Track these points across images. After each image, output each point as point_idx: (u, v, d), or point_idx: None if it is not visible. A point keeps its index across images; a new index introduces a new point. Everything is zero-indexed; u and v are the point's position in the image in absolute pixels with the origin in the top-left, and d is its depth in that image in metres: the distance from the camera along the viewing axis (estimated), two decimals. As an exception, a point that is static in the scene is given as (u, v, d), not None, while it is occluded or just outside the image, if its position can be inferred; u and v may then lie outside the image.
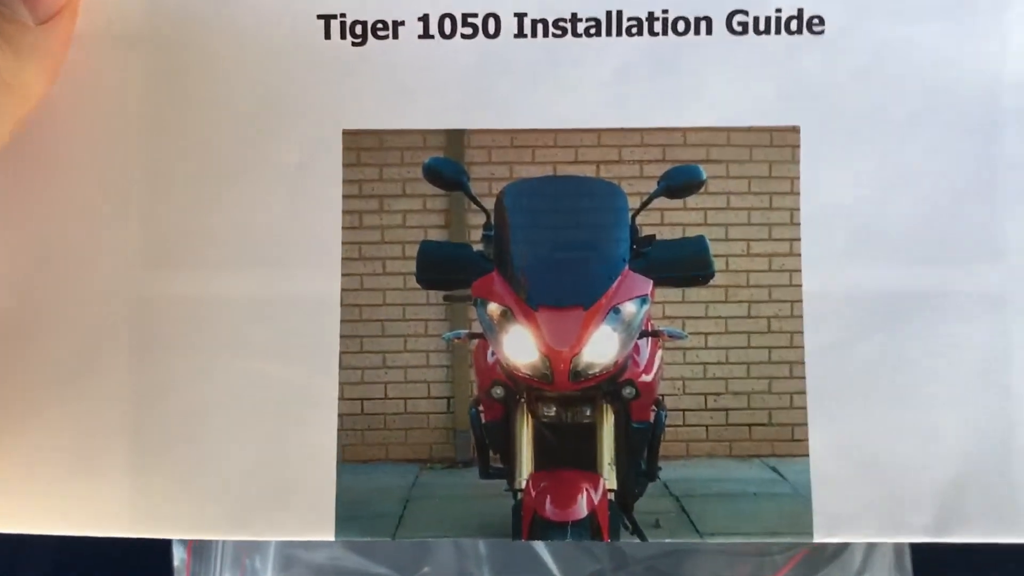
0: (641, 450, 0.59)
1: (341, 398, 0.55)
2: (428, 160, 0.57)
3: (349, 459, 0.55)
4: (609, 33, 0.55)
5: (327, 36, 0.55)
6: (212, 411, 0.55)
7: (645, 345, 0.59)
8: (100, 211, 0.55)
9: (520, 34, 0.55)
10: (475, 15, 0.54)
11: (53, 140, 0.55)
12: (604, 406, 0.58)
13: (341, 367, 0.55)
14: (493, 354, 0.58)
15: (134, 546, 0.55)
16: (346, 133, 0.55)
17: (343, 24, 0.55)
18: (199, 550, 0.73)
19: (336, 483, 0.54)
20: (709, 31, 0.54)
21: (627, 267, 0.58)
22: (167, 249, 0.55)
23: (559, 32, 0.55)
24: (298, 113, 0.55)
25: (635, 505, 0.58)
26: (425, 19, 0.55)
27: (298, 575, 0.73)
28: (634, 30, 0.55)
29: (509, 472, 0.58)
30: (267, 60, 0.55)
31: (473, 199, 0.59)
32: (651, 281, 0.58)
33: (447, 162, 0.57)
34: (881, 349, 0.54)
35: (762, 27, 0.54)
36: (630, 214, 0.58)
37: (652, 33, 0.55)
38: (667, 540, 0.56)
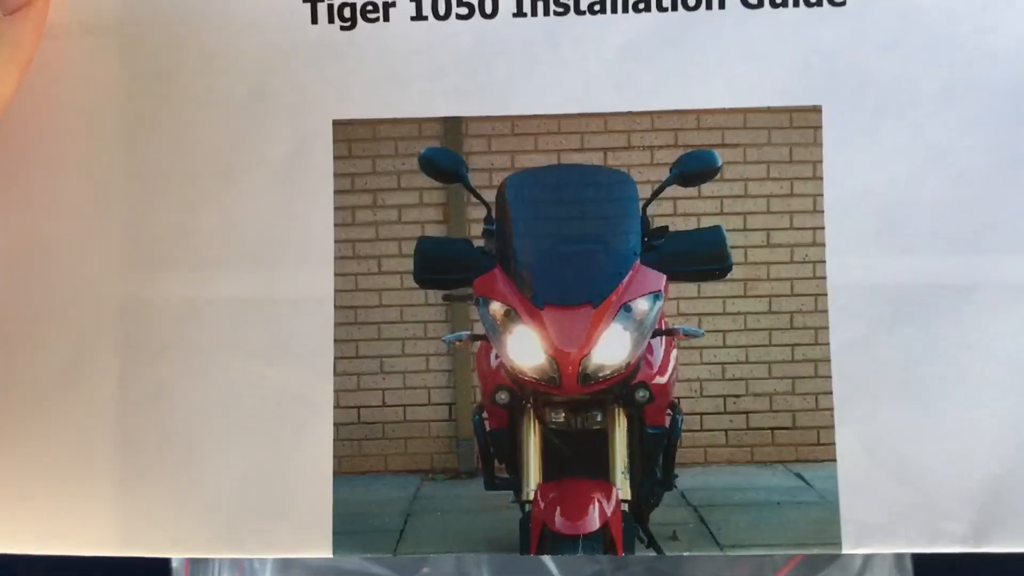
0: (656, 457, 0.58)
1: (336, 406, 0.54)
2: (424, 151, 0.57)
3: (346, 471, 0.54)
4: (615, 9, 0.54)
5: (314, 21, 0.54)
6: (201, 423, 0.54)
7: (659, 344, 0.58)
8: (80, 210, 0.54)
9: (519, 13, 0.54)
10: (471, -6, 0.54)
11: (28, 137, 0.54)
12: (616, 411, 0.57)
13: (336, 373, 0.54)
14: (497, 357, 0.57)
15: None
16: (336, 124, 0.54)
17: (330, 7, 0.54)
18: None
19: (333, 497, 0.53)
20: (722, 5, 0.53)
21: (638, 261, 0.57)
22: (150, 250, 0.54)
23: (561, 10, 0.54)
24: (285, 104, 0.54)
25: (650, 516, 0.57)
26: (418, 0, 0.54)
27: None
28: (641, 5, 0.54)
29: (516, 482, 0.57)
30: (251, 49, 0.54)
31: (473, 191, 0.58)
32: (664, 276, 0.57)
33: (444, 152, 0.57)
34: (912, 345, 0.53)
35: (779, -1, 0.53)
36: (640, 204, 0.57)
37: (661, 8, 0.54)
38: (685, 553, 0.55)
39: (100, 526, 0.54)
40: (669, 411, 0.57)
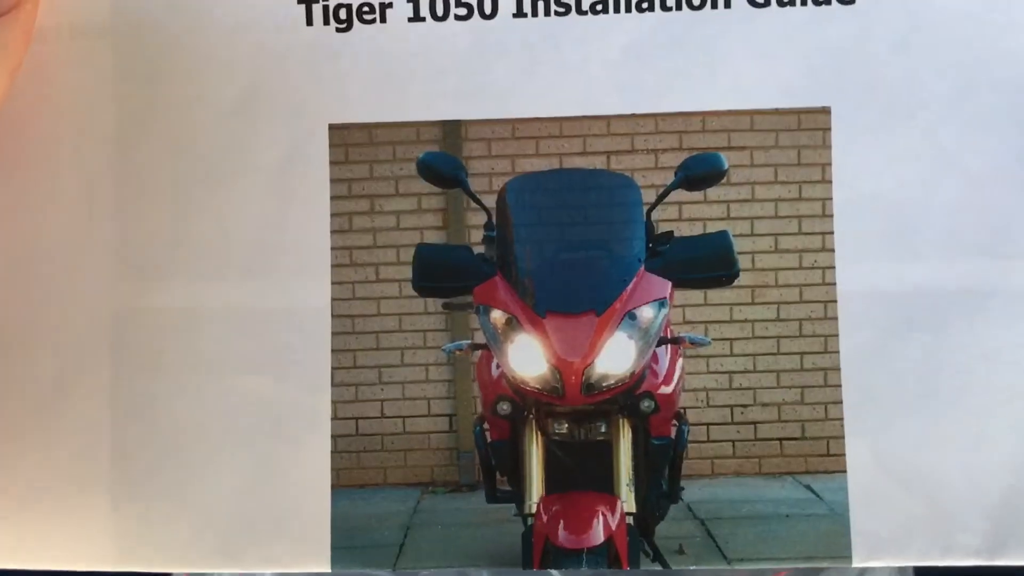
0: (662, 469, 0.57)
1: (334, 418, 0.54)
2: (422, 155, 0.57)
3: (344, 484, 0.54)
4: (617, 9, 0.53)
5: (309, 22, 0.54)
6: (196, 435, 0.54)
7: (664, 353, 0.57)
8: (70, 218, 0.54)
9: (519, 13, 0.53)
10: (470, -6, 0.54)
11: (17, 143, 0.54)
12: (620, 421, 0.57)
13: (333, 384, 0.54)
14: (498, 366, 0.57)
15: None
16: (332, 128, 0.54)
17: (326, 8, 0.54)
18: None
19: (331, 510, 0.53)
20: (728, 4, 0.53)
21: (643, 268, 0.56)
22: (141, 259, 0.54)
23: (562, 10, 0.53)
24: (279, 108, 0.54)
25: (656, 529, 0.57)
26: (415, 0, 0.54)
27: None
28: (645, 5, 0.53)
29: (518, 495, 0.57)
30: (245, 51, 0.54)
31: (472, 197, 0.58)
32: (670, 283, 0.57)
33: (443, 157, 0.57)
34: (924, 352, 0.52)
35: (786, -3, 0.53)
36: (645, 209, 0.57)
37: (665, 8, 0.53)
38: (692, 568, 0.55)
39: (94, 541, 0.53)
40: (675, 421, 0.57)
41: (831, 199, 0.53)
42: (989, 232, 0.52)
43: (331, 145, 0.54)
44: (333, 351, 0.54)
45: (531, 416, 0.57)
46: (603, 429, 0.57)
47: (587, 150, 0.56)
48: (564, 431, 0.57)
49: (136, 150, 0.54)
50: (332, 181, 0.54)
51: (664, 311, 0.56)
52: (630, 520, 0.55)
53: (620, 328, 0.55)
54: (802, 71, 0.53)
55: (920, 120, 0.52)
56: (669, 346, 0.57)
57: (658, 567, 0.55)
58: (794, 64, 0.53)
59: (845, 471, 0.52)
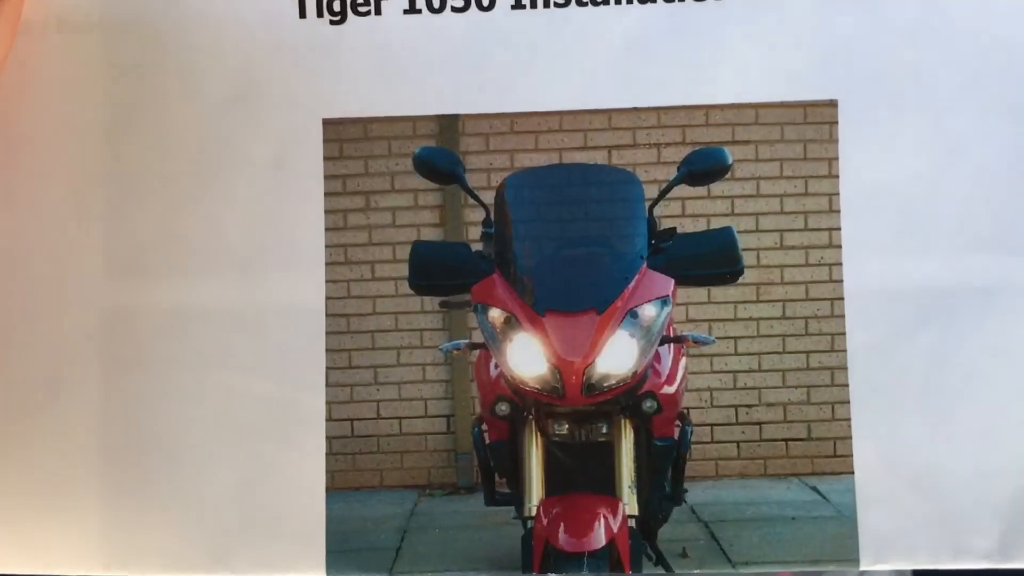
0: (664, 470, 0.57)
1: (329, 419, 0.53)
2: (419, 150, 0.57)
3: (339, 486, 0.54)
4: (619, 0, 0.53)
5: (302, 15, 0.54)
6: (187, 437, 0.53)
7: (667, 352, 0.57)
8: (58, 215, 0.54)
9: (518, 5, 0.53)
10: (467, -15, 0.54)
11: (3, 139, 0.54)
12: (622, 422, 0.56)
13: (328, 384, 0.53)
14: (497, 366, 0.57)
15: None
16: (326, 123, 0.53)
17: (319, 1, 0.53)
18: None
19: (326, 514, 0.53)
20: None
21: (645, 265, 0.56)
22: (131, 257, 0.54)
23: (562, 1, 0.53)
24: (272, 103, 0.53)
25: (659, 532, 0.57)
26: (411, -9, 0.54)
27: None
28: None
29: (518, 498, 0.57)
30: (236, 45, 0.53)
31: (470, 193, 0.58)
32: (672, 280, 0.56)
33: (440, 152, 0.57)
34: (933, 350, 0.52)
35: (792, -13, 0.53)
36: (647, 205, 0.57)
37: None
38: (696, 571, 0.55)
39: (82, 545, 0.53)
40: (678, 422, 0.57)
41: (838, 194, 0.53)
42: (999, 227, 0.52)
43: (325, 140, 0.53)
44: (328, 351, 0.53)
45: (531, 417, 0.56)
46: (604, 430, 0.56)
47: (588, 145, 0.56)
48: (564, 432, 0.56)
49: (126, 146, 0.54)
50: (326, 177, 0.54)
51: (667, 309, 0.56)
52: (632, 523, 0.55)
53: (622, 327, 0.55)
54: (808, 63, 0.53)
55: (929, 113, 0.52)
56: (672, 345, 0.57)
57: (661, 571, 0.55)
58: (800, 56, 0.53)
59: (852, 472, 0.52)
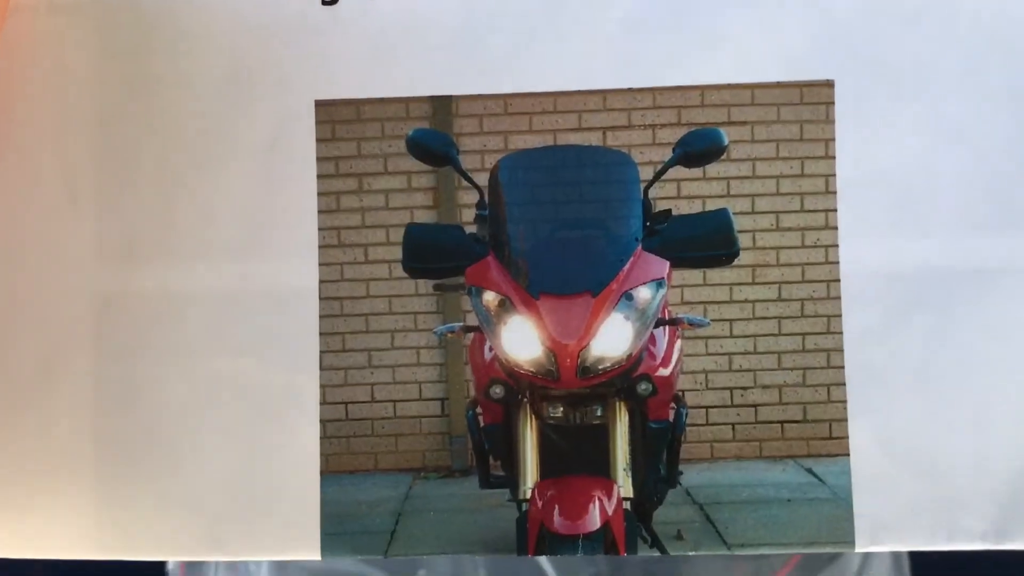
0: (659, 453, 0.57)
1: (323, 402, 0.53)
2: (412, 132, 0.56)
3: (334, 470, 0.54)
4: None
5: None
6: (181, 421, 0.53)
7: (662, 335, 0.57)
8: (50, 200, 0.54)
9: None
10: (460, -35, 0.54)
11: None
12: (617, 405, 0.56)
13: (321, 367, 0.53)
14: (491, 349, 0.56)
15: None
16: (319, 104, 0.54)
17: None
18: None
19: (320, 497, 0.53)
20: None
21: (640, 247, 0.56)
22: (126, 241, 0.54)
23: None
24: (264, 85, 0.53)
25: (654, 514, 0.57)
26: (404, -29, 0.54)
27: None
28: None
29: (512, 481, 0.56)
30: (228, 26, 0.53)
31: (464, 175, 0.57)
32: (668, 262, 0.56)
33: (433, 134, 0.56)
34: (929, 333, 0.52)
35: (789, -33, 0.53)
36: (642, 186, 0.56)
37: None
38: (691, 554, 0.55)
39: (77, 529, 0.53)
40: (673, 404, 0.57)
41: (834, 176, 0.53)
42: (995, 209, 0.52)
43: (318, 122, 0.54)
44: (321, 334, 0.53)
45: (525, 400, 0.56)
46: (599, 412, 0.56)
47: (582, 126, 0.56)
48: (559, 415, 0.56)
49: (118, 130, 0.54)
50: (319, 159, 0.54)
51: (662, 291, 0.55)
52: (627, 505, 0.55)
53: (616, 309, 0.54)
54: (805, 43, 0.53)
55: (926, 95, 0.52)
56: (667, 327, 0.57)
57: (656, 553, 0.55)
58: (796, 36, 0.53)
59: (848, 454, 0.52)
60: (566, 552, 0.54)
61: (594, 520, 0.54)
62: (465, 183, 0.57)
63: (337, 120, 0.54)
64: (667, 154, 0.56)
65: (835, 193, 0.53)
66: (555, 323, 0.54)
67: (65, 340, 0.53)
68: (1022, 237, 0.52)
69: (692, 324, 0.57)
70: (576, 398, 0.56)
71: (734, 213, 0.56)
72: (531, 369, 0.54)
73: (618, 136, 0.56)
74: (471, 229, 0.57)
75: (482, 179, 0.57)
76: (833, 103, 0.53)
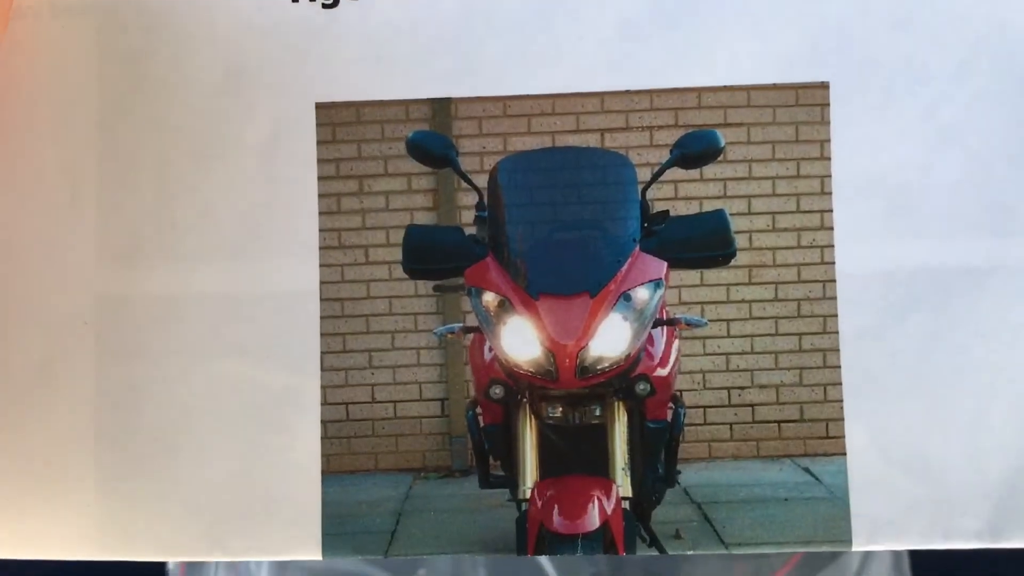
0: (658, 452, 0.57)
1: (324, 403, 0.53)
2: (411, 134, 0.56)
3: (335, 470, 0.53)
4: None
5: None
6: (182, 422, 0.53)
7: (660, 335, 0.57)
8: (52, 201, 0.54)
9: None
10: (460, -31, 0.54)
11: None
12: (616, 404, 0.56)
13: (322, 368, 0.53)
14: (491, 350, 0.56)
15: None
16: (319, 107, 0.53)
17: None
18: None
19: (321, 497, 0.53)
20: None
21: (638, 248, 0.56)
22: (126, 242, 0.54)
23: None
24: (265, 87, 0.53)
25: (653, 514, 0.57)
26: (403, -25, 0.54)
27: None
28: None
29: (512, 481, 0.56)
30: (229, 29, 0.53)
31: (463, 176, 0.57)
32: (665, 263, 0.56)
33: (433, 136, 0.56)
34: (925, 333, 0.52)
35: (785, -30, 0.53)
36: (640, 188, 0.56)
37: None
38: (689, 553, 0.55)
39: (78, 529, 0.53)
40: (671, 404, 0.57)
41: (830, 177, 0.53)
42: (990, 210, 0.52)
43: (318, 124, 0.53)
44: (322, 335, 0.53)
45: (524, 400, 0.56)
46: (598, 412, 0.56)
47: (580, 128, 0.56)
48: (558, 415, 0.56)
49: (119, 131, 0.54)
50: (319, 161, 0.53)
51: (660, 292, 0.55)
52: (626, 505, 0.55)
53: (615, 310, 0.54)
54: (800, 46, 0.52)
55: (920, 96, 0.52)
56: (665, 328, 0.57)
57: (655, 552, 0.55)
58: (792, 38, 0.52)
59: (844, 454, 0.52)
60: (565, 551, 0.54)
61: (593, 520, 0.54)
62: (464, 185, 0.57)
63: (337, 122, 0.54)
64: (664, 156, 0.56)
65: (830, 194, 0.52)
66: (554, 323, 0.54)
67: (66, 340, 0.53)
68: (1017, 237, 0.52)
69: (690, 324, 0.57)
70: (575, 398, 0.56)
71: (731, 214, 0.56)
72: (530, 369, 0.54)
73: (616, 138, 0.56)
74: (470, 230, 0.57)
75: (481, 181, 0.57)
76: (828, 105, 0.52)
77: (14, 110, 0.53)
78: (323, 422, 0.53)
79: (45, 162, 0.54)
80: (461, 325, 0.59)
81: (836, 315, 0.52)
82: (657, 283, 0.55)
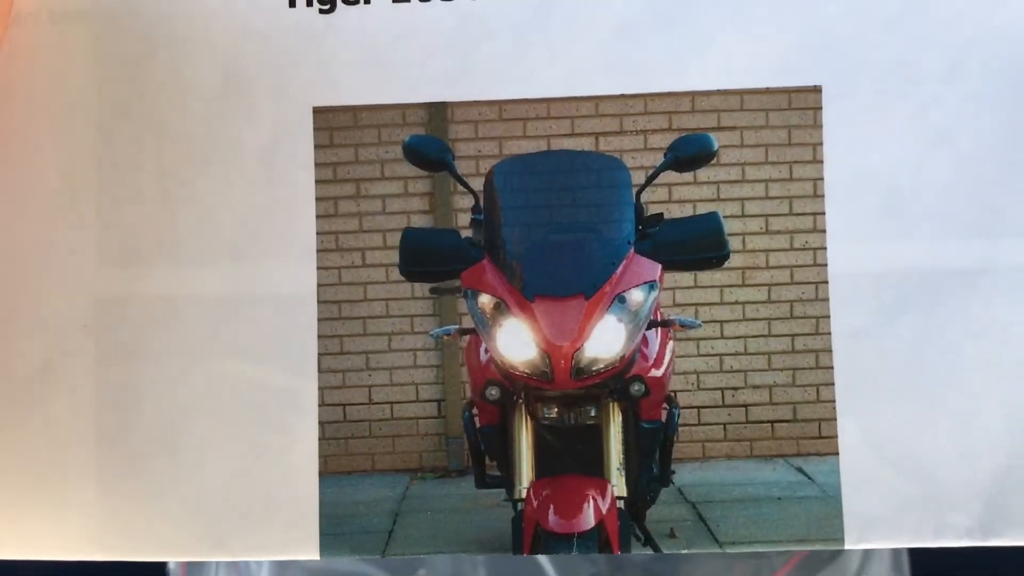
0: (652, 452, 0.57)
1: (321, 404, 0.53)
2: (408, 138, 0.56)
3: (332, 471, 0.53)
4: None
5: (291, 4, 0.53)
6: (182, 422, 0.53)
7: (654, 336, 0.57)
8: (52, 205, 0.54)
9: None
10: (455, -26, 0.53)
11: None
12: (610, 405, 0.56)
13: (320, 370, 0.53)
14: (487, 351, 0.56)
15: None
16: (316, 111, 0.53)
17: None
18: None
19: (319, 497, 0.53)
20: None
21: (632, 250, 0.56)
22: (124, 245, 0.54)
23: None
24: (262, 91, 0.53)
25: (647, 513, 0.57)
26: (400, -20, 0.53)
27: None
28: None
29: (508, 481, 0.56)
30: (227, 34, 0.53)
31: (459, 180, 0.57)
32: (659, 265, 0.56)
33: (429, 140, 0.56)
34: (917, 334, 0.52)
35: (777, -25, 0.52)
36: (634, 191, 0.56)
37: None
38: (683, 552, 0.55)
39: (78, 530, 0.53)
40: (665, 405, 0.57)
41: (822, 179, 0.52)
42: (981, 211, 0.52)
43: (315, 128, 0.53)
44: (320, 337, 0.53)
45: (520, 401, 0.56)
46: (593, 413, 0.56)
47: (575, 131, 0.56)
48: (554, 415, 0.56)
49: (118, 136, 0.53)
50: (317, 165, 0.53)
51: (654, 294, 0.55)
52: (621, 504, 0.55)
53: (610, 311, 0.54)
54: (793, 50, 0.52)
55: (912, 99, 0.52)
56: (659, 329, 0.57)
57: (649, 551, 0.55)
58: (785, 43, 0.52)
59: (837, 453, 0.52)
60: (561, 551, 0.54)
61: (588, 519, 0.54)
62: (461, 188, 0.57)
63: (335, 126, 0.54)
64: (658, 159, 0.56)
65: (823, 197, 0.52)
66: (549, 325, 0.54)
67: (67, 342, 0.53)
68: (1007, 238, 0.52)
69: (684, 326, 0.57)
70: (570, 399, 0.56)
71: (724, 216, 0.56)
72: (526, 370, 0.55)
73: (610, 141, 0.55)
74: (467, 233, 0.57)
75: (477, 184, 0.57)
76: (820, 108, 0.52)
77: (14, 115, 0.53)
78: (321, 423, 0.53)
79: (45, 166, 0.53)
80: (457, 327, 0.59)
81: (829, 316, 0.52)
82: (651, 285, 0.55)
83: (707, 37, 0.53)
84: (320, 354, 0.53)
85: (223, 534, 0.53)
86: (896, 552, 0.66)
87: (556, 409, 0.56)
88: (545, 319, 0.54)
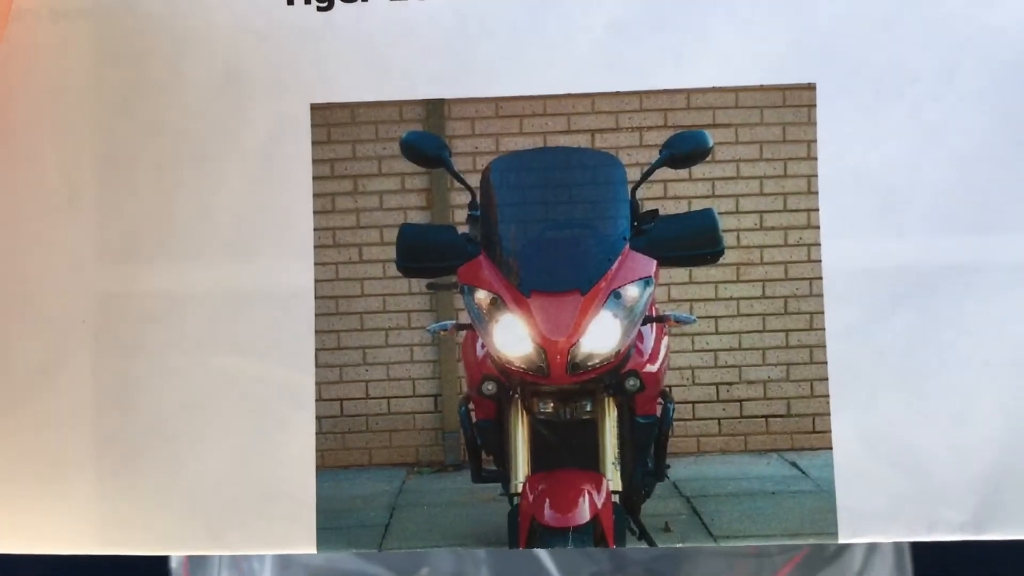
0: (647, 447, 0.57)
1: (318, 399, 0.53)
2: (405, 135, 0.56)
3: (329, 465, 0.53)
4: None
5: (290, 1, 0.53)
6: (180, 417, 0.53)
7: (649, 332, 0.57)
8: (51, 201, 0.54)
9: None
10: (452, -28, 0.53)
11: None
12: (606, 400, 0.56)
13: (317, 365, 0.53)
14: (483, 346, 0.56)
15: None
16: (314, 108, 0.53)
17: None
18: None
19: (316, 492, 0.53)
20: None
21: (628, 246, 0.56)
22: (124, 242, 0.53)
23: None
24: (261, 88, 0.53)
25: (642, 507, 0.57)
26: (397, -22, 0.53)
27: (294, 576, 0.72)
28: None
29: (504, 475, 0.56)
30: (225, 31, 0.53)
31: (456, 176, 0.57)
32: (655, 261, 0.56)
33: (426, 136, 0.56)
34: (910, 329, 0.52)
35: (772, -27, 0.53)
36: (629, 187, 0.56)
37: None
38: (677, 545, 0.55)
39: (79, 524, 0.53)
40: (660, 400, 0.57)
41: (816, 176, 0.52)
42: (975, 208, 0.52)
43: (313, 125, 0.53)
44: (317, 332, 0.53)
45: (516, 396, 0.56)
46: (588, 408, 0.56)
47: (571, 128, 0.55)
48: (549, 410, 0.56)
49: (117, 132, 0.53)
50: (314, 161, 0.53)
51: (649, 289, 0.55)
52: (616, 498, 0.55)
53: (605, 307, 0.54)
54: (787, 47, 0.52)
55: (906, 96, 0.52)
56: (654, 324, 0.57)
57: (644, 545, 0.55)
58: (779, 40, 0.52)
59: (831, 448, 0.52)
60: (556, 545, 0.54)
61: (584, 513, 0.54)
62: (457, 184, 0.57)
63: (332, 123, 0.54)
64: (654, 156, 0.56)
65: (817, 193, 0.52)
66: (545, 321, 0.54)
67: (66, 339, 0.53)
68: (1000, 235, 0.52)
69: (679, 321, 0.57)
70: (566, 394, 0.56)
71: (719, 213, 0.55)
72: (522, 366, 0.55)
73: (606, 138, 0.56)
74: (463, 229, 0.57)
75: (474, 180, 0.57)
76: (815, 105, 0.52)
77: (13, 112, 0.53)
78: (318, 418, 0.53)
79: (44, 163, 0.54)
80: (454, 322, 0.58)
81: (822, 312, 0.52)
82: (647, 281, 0.55)
83: (702, 35, 0.52)
84: (317, 349, 0.53)
85: (221, 528, 0.53)
86: (898, 550, 0.66)
87: (552, 404, 0.56)
88: (541, 314, 0.54)
